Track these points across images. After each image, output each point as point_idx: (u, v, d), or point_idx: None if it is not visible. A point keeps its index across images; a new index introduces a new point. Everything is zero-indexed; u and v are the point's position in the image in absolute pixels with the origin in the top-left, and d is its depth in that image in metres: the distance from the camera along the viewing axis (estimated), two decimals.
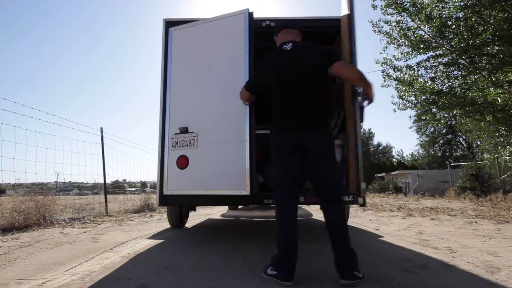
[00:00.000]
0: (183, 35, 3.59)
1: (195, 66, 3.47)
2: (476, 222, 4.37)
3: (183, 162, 3.26)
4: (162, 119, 3.41)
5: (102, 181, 6.72)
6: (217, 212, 7.05)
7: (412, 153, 42.85)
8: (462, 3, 8.05)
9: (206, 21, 3.51)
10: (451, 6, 8.37)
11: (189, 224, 4.91)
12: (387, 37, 9.69)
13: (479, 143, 22.25)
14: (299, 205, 5.63)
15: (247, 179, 2.99)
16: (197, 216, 6.18)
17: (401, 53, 9.61)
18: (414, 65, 9.59)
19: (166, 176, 3.30)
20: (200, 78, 3.42)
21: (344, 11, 2.80)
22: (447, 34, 8.48)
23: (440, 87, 9.40)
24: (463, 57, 8.31)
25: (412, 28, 9.17)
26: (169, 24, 3.61)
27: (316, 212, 6.22)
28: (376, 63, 10.02)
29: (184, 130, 3.29)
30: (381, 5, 9.40)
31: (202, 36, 3.52)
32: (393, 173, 26.28)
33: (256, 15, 3.34)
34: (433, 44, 8.97)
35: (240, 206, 6.58)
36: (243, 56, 3.25)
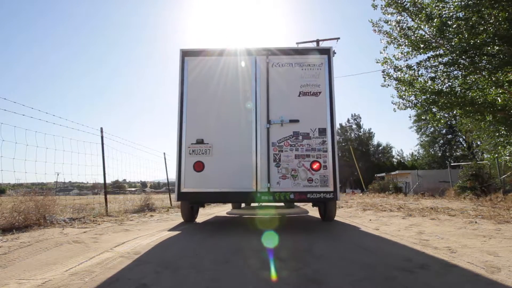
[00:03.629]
0: (197, 63, 4.37)
1: (207, 91, 4.29)
2: (476, 222, 4.37)
3: (199, 166, 4.11)
4: (179, 132, 4.18)
5: (102, 181, 6.72)
6: (222, 210, 7.66)
7: (412, 153, 42.89)
8: (462, 3, 8.04)
9: (219, 54, 4.37)
10: (452, 6, 8.36)
11: (200, 219, 5.48)
12: (387, 36, 9.69)
13: (479, 143, 22.25)
14: (296, 203, 6.41)
15: (252, 178, 4.06)
16: (206, 215, 6.65)
17: (401, 53, 9.61)
18: (414, 65, 9.59)
19: (184, 177, 4.09)
20: (213, 101, 4.26)
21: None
22: (447, 34, 8.48)
23: (440, 87, 9.39)
24: (463, 57, 8.31)
25: (412, 27, 9.16)
26: (185, 53, 4.39)
27: (314, 212, 6.23)
28: (377, 62, 10.02)
29: (200, 141, 4.16)
30: (381, 5, 9.40)
31: (214, 67, 4.35)
32: (393, 173, 26.29)
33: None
34: (433, 44, 8.96)
35: (242, 205, 7.38)
36: (251, 90, 4.24)
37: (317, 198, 4.05)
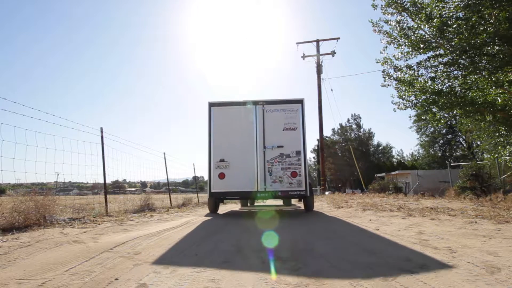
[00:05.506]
0: (219, 111, 6.51)
1: (226, 128, 6.43)
2: (476, 222, 4.37)
3: (222, 176, 6.24)
4: (209, 154, 6.33)
5: (102, 181, 6.72)
6: (235, 207, 9.76)
7: (412, 153, 42.86)
8: (462, 3, 8.03)
9: (233, 104, 6.57)
10: (452, 6, 8.35)
11: (220, 211, 7.62)
12: (387, 36, 9.67)
13: (479, 143, 22.23)
14: (293, 203, 9.55)
15: (256, 181, 6.21)
16: (225, 209, 8.77)
17: (401, 53, 9.58)
18: (414, 65, 9.57)
19: (212, 182, 6.22)
20: (229, 134, 6.39)
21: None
22: (447, 34, 8.47)
23: (440, 87, 9.37)
24: (463, 57, 8.29)
25: (412, 27, 9.14)
26: (211, 104, 6.51)
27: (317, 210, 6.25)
28: (377, 62, 10.01)
29: (222, 160, 6.29)
30: (381, 5, 9.38)
31: (230, 112, 6.52)
32: (393, 173, 26.28)
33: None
34: (433, 44, 8.95)
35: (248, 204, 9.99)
36: (253, 127, 6.38)
37: (295, 195, 6.30)
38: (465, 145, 32.04)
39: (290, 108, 6.41)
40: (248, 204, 9.62)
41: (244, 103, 6.50)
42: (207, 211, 8.12)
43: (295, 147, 6.25)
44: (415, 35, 9.08)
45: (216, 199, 6.73)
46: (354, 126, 44.23)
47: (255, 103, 6.46)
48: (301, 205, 8.79)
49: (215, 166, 6.24)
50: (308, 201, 6.82)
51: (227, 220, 5.66)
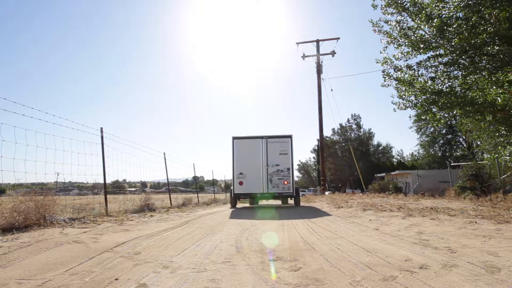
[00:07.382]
0: (239, 142, 9.89)
1: (243, 153, 9.83)
2: (476, 222, 4.36)
3: (241, 183, 9.72)
4: (233, 169, 9.74)
5: (102, 181, 6.71)
6: (247, 205, 12.00)
7: (412, 153, 42.84)
8: (462, 3, 8.02)
9: (248, 138, 10.00)
10: (452, 6, 8.34)
11: (238, 206, 10.53)
12: (387, 36, 9.64)
13: (479, 143, 22.23)
14: (289, 202, 12.35)
15: (262, 186, 9.74)
16: (240, 206, 11.18)
17: (401, 53, 9.56)
18: (414, 65, 9.56)
19: (235, 187, 9.68)
20: (246, 157, 9.78)
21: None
22: (447, 34, 8.46)
23: (440, 87, 9.36)
24: (463, 57, 8.28)
25: (412, 27, 9.13)
26: (234, 138, 9.88)
27: (307, 208, 6.22)
28: (377, 62, 9.99)
29: (241, 173, 9.71)
30: (381, 5, 9.36)
31: (246, 143, 9.93)
32: (393, 173, 26.26)
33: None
34: (433, 44, 8.93)
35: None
36: (260, 152, 9.85)
37: (286, 195, 9.78)
38: (465, 145, 32.03)
39: (283, 140, 9.82)
40: (254, 204, 12.13)
41: (255, 138, 9.90)
42: (207, 211, 8.62)
43: (286, 165, 9.64)
44: (415, 35, 9.06)
45: (236, 198, 10.03)
46: (354, 126, 44.21)
47: (262, 137, 9.87)
48: (309, 205, 11.21)
49: (236, 177, 9.64)
50: (296, 199, 10.20)
51: (246, 209, 9.15)
